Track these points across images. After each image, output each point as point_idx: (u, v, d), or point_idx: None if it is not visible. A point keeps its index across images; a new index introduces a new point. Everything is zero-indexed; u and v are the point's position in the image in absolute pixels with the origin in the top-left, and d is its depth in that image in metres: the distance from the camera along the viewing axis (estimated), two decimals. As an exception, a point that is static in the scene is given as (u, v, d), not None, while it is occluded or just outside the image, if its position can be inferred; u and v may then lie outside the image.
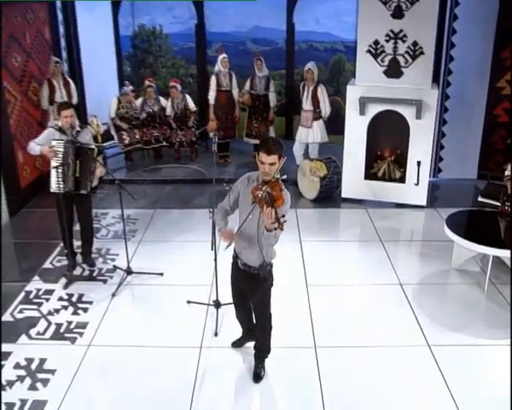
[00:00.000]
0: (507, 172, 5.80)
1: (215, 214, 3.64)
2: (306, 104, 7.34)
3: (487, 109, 7.68)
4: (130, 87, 8.39)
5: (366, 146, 6.87)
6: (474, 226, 5.34)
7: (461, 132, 7.71)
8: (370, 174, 7.07)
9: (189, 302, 4.82)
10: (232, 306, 4.54)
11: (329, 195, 7.19)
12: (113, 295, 4.95)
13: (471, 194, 7.64)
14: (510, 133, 7.71)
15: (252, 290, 3.63)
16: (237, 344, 4.23)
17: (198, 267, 5.41)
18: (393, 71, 6.51)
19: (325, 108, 7.26)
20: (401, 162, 7.04)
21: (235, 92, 8.27)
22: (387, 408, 3.68)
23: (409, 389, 3.84)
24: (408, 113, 6.56)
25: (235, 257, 3.60)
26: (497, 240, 5.02)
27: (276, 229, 2.99)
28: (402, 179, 6.97)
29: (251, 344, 4.16)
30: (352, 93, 6.70)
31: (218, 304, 4.63)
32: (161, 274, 5.31)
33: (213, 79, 8.19)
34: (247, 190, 3.39)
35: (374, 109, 6.69)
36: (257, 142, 8.35)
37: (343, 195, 7.14)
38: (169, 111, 8.49)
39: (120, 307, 4.80)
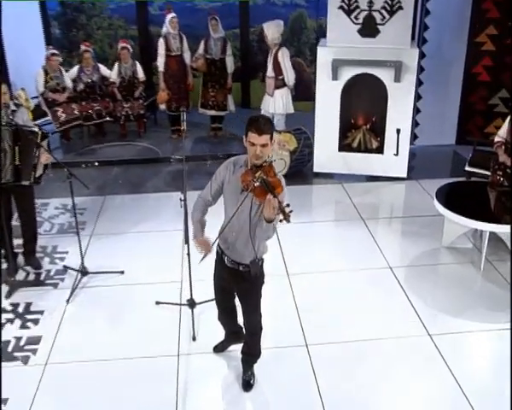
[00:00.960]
0: (497, 138, 5.91)
1: (193, 210, 3.49)
2: (269, 69, 7.19)
3: (466, 67, 7.82)
4: (51, 50, 7.88)
5: (340, 114, 6.82)
6: (466, 200, 5.44)
7: (438, 94, 7.81)
8: (344, 145, 7.06)
9: (158, 303, 4.68)
10: (208, 304, 4.50)
11: (300, 170, 7.15)
12: (68, 301, 4.71)
13: (452, 162, 7.81)
14: (492, 93, 7.88)
15: (241, 290, 3.54)
16: (220, 348, 4.14)
17: (164, 261, 5.27)
18: (369, 29, 6.47)
19: (288, 75, 7.13)
20: (377, 131, 7.07)
21: (187, 57, 8.02)
22: (392, 404, 3.69)
23: (413, 382, 3.89)
24: (386, 76, 6.57)
25: (221, 253, 3.47)
26: (494, 215, 5.12)
27: (281, 221, 2.87)
28: (379, 150, 7.01)
29: (235, 347, 4.08)
30: (323, 56, 6.62)
31: (192, 303, 4.51)
32: (122, 272, 5.12)
33: (162, 43, 7.88)
34: (233, 177, 3.25)
35: (348, 73, 6.65)
36: (214, 113, 8.18)
37: (315, 169, 7.10)
38: (114, 78, 8.12)
39: (78, 314, 4.59)
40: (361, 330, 4.38)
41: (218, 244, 3.51)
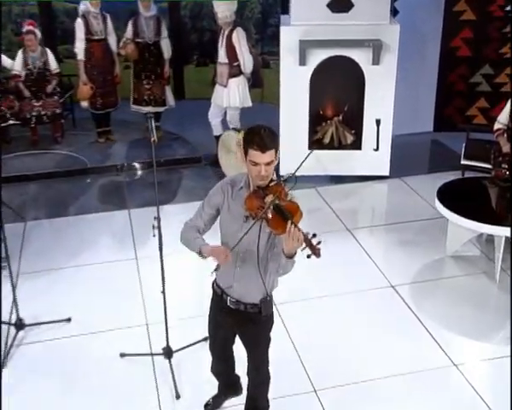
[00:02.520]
0: (497, 125, 6.13)
1: (184, 232, 3.35)
2: (221, 55, 7.10)
3: (443, 41, 8.10)
4: None
5: (309, 106, 6.85)
6: (473, 200, 5.63)
7: (411, 74, 8.01)
8: (314, 142, 7.12)
9: (123, 356, 4.51)
10: (188, 350, 4.41)
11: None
12: (2, 365, 4.39)
13: (434, 153, 8.06)
14: (473, 69, 8.19)
15: (248, 336, 3.48)
16: (213, 405, 4.06)
17: (120, 300, 5.11)
18: (340, 2, 6.53)
19: (244, 61, 7.09)
20: (351, 123, 7.17)
21: (113, 42, 7.78)
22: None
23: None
24: (362, 57, 6.68)
25: (221, 293, 3.36)
26: (507, 216, 5.31)
27: (308, 256, 2.80)
28: (356, 145, 7.11)
29: (232, 402, 4.02)
30: (287, 37, 6.64)
31: (169, 352, 4.37)
32: (68, 320, 4.92)
33: (80, 24, 7.62)
34: (233, 202, 3.16)
35: (317, 56, 6.71)
36: (150, 109, 7.98)
37: (282, 172, 7.06)
38: (18, 69, 7.73)
39: (18, 382, 4.28)
40: (375, 365, 4.42)
41: (216, 283, 3.43)
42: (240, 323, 3.41)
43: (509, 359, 4.41)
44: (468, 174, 6.53)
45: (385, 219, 6.52)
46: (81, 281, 5.42)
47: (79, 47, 7.63)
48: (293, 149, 6.97)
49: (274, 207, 2.93)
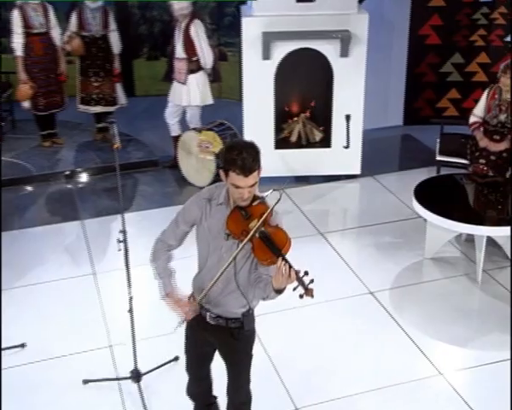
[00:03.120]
0: (472, 118, 6.33)
1: (153, 258, 3.40)
2: (178, 49, 7.12)
3: (412, 29, 8.27)
4: None
5: (275, 102, 6.92)
6: (453, 199, 5.80)
7: (378, 65, 8.12)
8: (281, 141, 7.21)
9: (86, 382, 4.48)
10: (158, 372, 4.48)
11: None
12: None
13: (406, 148, 8.25)
14: (444, 59, 8.39)
15: (229, 352, 3.53)
16: (189, 431, 4.03)
17: (78, 321, 5.09)
18: (305, -9, 6.64)
19: (204, 56, 7.12)
20: (319, 119, 7.29)
21: (57, 36, 7.69)
22: None
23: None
24: (330, 50, 6.80)
25: (199, 308, 3.40)
26: (491, 215, 5.49)
27: (301, 297, 2.87)
28: (325, 142, 7.22)
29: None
30: (250, 29, 6.70)
31: (137, 375, 4.39)
32: (22, 346, 4.86)
33: (16, 17, 7.48)
34: (212, 220, 3.19)
35: (282, 49, 6.79)
36: (100, 109, 7.95)
37: (247, 174, 7.16)
38: None
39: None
40: (358, 378, 4.52)
41: (194, 298, 3.44)
42: (220, 339, 3.45)
43: (497, 364, 4.59)
44: (443, 171, 6.68)
45: (359, 220, 6.65)
46: (33, 302, 5.35)
47: (17, 42, 7.49)
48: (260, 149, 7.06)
49: (260, 235, 2.97)
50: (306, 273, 2.88)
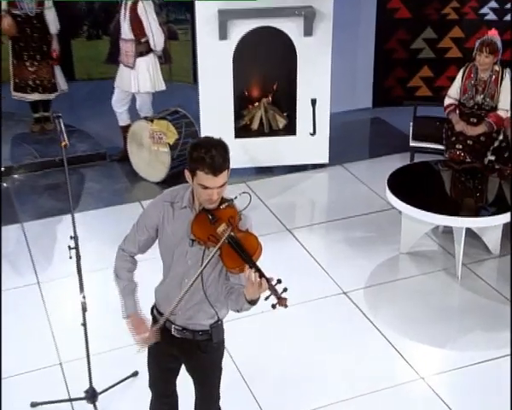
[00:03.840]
0: (448, 100, 6.48)
1: (116, 269, 3.44)
2: (124, 29, 7.11)
3: (379, 2, 8.38)
4: None
5: (233, 86, 6.97)
6: (429, 188, 5.95)
7: (344, 43, 8.22)
8: (241, 129, 7.29)
9: (34, 406, 4.48)
10: (116, 390, 4.50)
11: (184, 170, 7.19)
12: None
13: (377, 133, 8.39)
14: (415, 34, 8.52)
15: (197, 367, 3.59)
16: (153, 453, 4.08)
17: (21, 337, 5.08)
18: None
19: (154, 37, 7.14)
20: (283, 104, 7.37)
21: (-16, 15, 7.60)
22: None
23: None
24: (292, 28, 6.87)
25: (159, 335, 3.43)
26: (469, 204, 5.64)
27: (273, 306, 2.93)
28: (290, 129, 7.32)
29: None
30: (204, 7, 6.75)
31: (93, 394, 4.41)
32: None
33: None
34: (175, 223, 3.24)
35: (240, 28, 6.86)
36: (38, 97, 7.88)
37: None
38: None
39: None
40: (334, 386, 4.64)
41: (157, 309, 3.50)
42: (187, 353, 3.50)
43: (481, 365, 4.75)
44: (418, 157, 6.84)
45: (328, 214, 6.77)
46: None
47: None
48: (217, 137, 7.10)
49: (229, 240, 3.02)
50: (279, 281, 2.94)
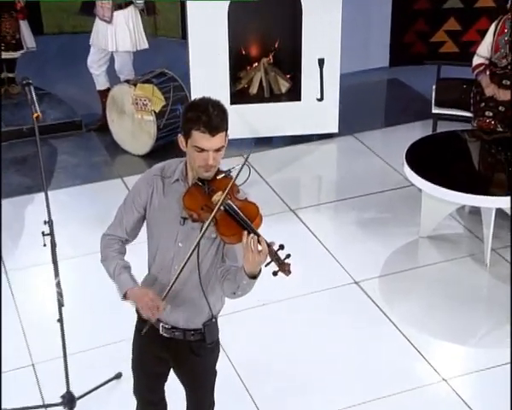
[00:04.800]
0: (477, 59, 6.46)
1: (104, 258, 3.45)
2: (100, -23, 7.16)
3: None
4: None
5: (229, 45, 7.02)
6: (452, 162, 5.98)
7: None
8: (238, 94, 7.34)
9: (5, 414, 4.54)
10: (96, 395, 4.55)
11: (172, 141, 7.23)
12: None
13: (394, 96, 8.40)
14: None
15: (189, 371, 3.63)
16: None
17: None
18: None
19: None
20: (286, 64, 7.43)
21: None
22: None
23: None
24: (296, -24, 6.92)
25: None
26: (501, 181, 5.70)
27: (275, 274, 3.00)
28: (294, 94, 7.35)
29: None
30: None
31: (70, 399, 4.47)
32: None
33: None
34: (165, 199, 3.30)
35: (236, -24, 6.85)
36: (2, 56, 7.88)
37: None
38: None
39: None
40: (346, 389, 4.70)
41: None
42: (177, 356, 3.56)
43: (507, 366, 4.81)
44: (441, 126, 6.87)
45: (337, 192, 6.82)
46: None
47: None
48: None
49: (225, 207, 3.09)
50: (282, 247, 3.01)
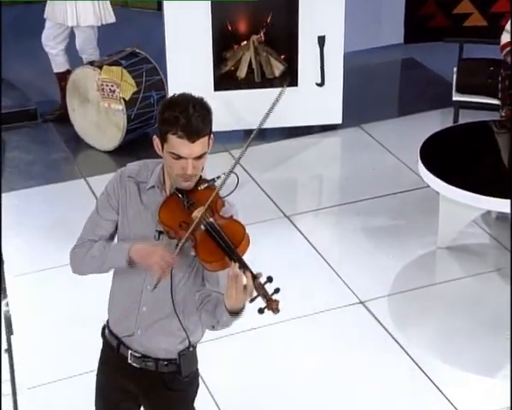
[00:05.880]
0: (506, 37, 6.43)
1: (78, 255, 3.43)
2: None
3: None
4: None
5: (212, 19, 7.07)
6: (476, 160, 5.99)
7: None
8: (222, 77, 7.40)
9: None
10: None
11: (146, 133, 7.28)
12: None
13: (409, 79, 8.42)
14: None
15: (160, 408, 3.67)
16: None
17: None
18: None
19: None
20: (280, 42, 7.48)
21: None
22: None
23: None
24: None
25: (117, 345, 3.54)
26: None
27: (261, 311, 3.02)
28: (289, 78, 7.38)
29: None
30: None
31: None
32: None
33: None
34: (138, 209, 3.33)
35: None
36: None
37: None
38: None
39: None
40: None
41: (109, 328, 3.57)
42: (148, 390, 3.58)
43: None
44: (464, 116, 6.89)
45: (340, 195, 6.86)
46: None
47: None
48: (191, 90, 7.15)
49: (206, 227, 3.12)
50: (270, 280, 3.02)
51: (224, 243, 3.06)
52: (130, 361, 3.53)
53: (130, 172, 3.38)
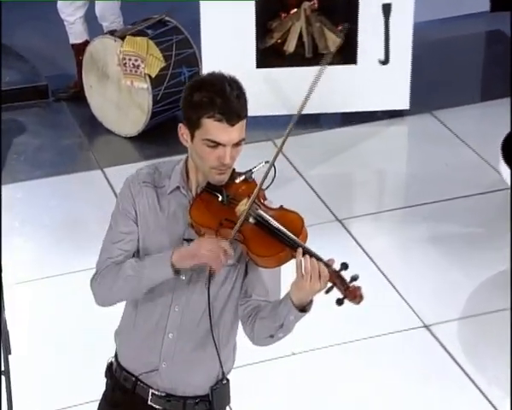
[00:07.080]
0: None
1: (104, 281, 3.35)
2: None
3: None
4: None
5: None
6: None
7: None
8: (267, 52, 7.49)
9: None
10: None
11: (175, 116, 7.32)
12: None
13: (492, 59, 8.47)
14: None
15: None
16: None
17: None
18: None
19: None
20: (336, 11, 7.60)
21: None
22: None
23: None
24: None
25: (133, 385, 3.56)
26: None
27: (340, 303, 3.04)
28: (347, 54, 7.47)
29: None
30: None
31: None
32: None
33: None
34: (161, 217, 3.39)
35: None
36: None
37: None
38: None
39: None
40: None
41: (119, 364, 3.59)
42: None
43: None
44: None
45: (405, 195, 6.96)
46: None
47: None
48: (230, 69, 7.24)
49: (258, 219, 3.18)
50: (345, 267, 3.07)
51: (283, 234, 3.12)
52: (150, 403, 3.55)
53: (145, 178, 3.42)
